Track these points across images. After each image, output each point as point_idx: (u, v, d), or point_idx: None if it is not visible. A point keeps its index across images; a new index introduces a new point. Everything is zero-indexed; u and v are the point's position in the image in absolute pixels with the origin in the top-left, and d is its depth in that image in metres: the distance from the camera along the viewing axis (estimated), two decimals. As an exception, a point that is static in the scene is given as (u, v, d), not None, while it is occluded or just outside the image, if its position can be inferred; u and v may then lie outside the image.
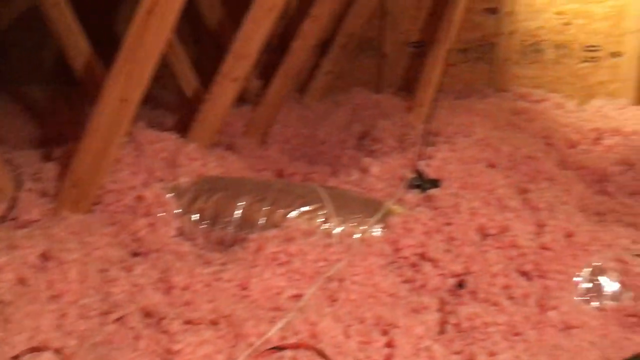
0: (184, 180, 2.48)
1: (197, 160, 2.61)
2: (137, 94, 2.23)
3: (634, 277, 1.97)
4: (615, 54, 3.96)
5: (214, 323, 1.73)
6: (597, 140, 3.52)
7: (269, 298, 1.89)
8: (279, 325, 1.69)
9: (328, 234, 2.22)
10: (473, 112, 3.43)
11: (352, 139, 3.49)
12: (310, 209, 2.30)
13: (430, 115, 3.33)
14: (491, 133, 3.07)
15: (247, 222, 2.31)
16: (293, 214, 2.29)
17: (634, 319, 1.90)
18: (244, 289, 1.92)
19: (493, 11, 4.11)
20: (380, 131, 3.30)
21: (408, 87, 4.09)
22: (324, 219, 2.27)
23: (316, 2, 3.42)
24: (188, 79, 3.61)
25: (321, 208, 2.31)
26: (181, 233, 2.36)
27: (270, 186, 2.46)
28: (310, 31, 3.44)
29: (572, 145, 3.46)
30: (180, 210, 2.40)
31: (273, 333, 1.66)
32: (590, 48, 3.98)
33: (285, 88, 3.53)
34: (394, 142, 3.19)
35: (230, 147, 3.27)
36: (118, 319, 1.78)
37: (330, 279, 1.98)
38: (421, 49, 4.15)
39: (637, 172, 3.09)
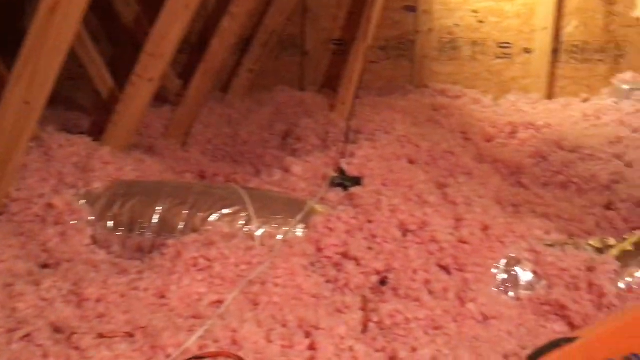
0: (97, 186, 2.37)
1: (111, 164, 2.50)
2: (42, 96, 2.11)
3: (546, 267, 2.04)
4: (527, 50, 4.13)
5: (129, 335, 1.65)
6: (512, 134, 3.65)
7: (188, 306, 1.83)
8: (198, 333, 1.64)
9: (250, 236, 2.17)
10: (394, 109, 3.48)
11: (276, 138, 3.46)
12: (232, 211, 2.26)
13: (352, 112, 3.35)
14: (411, 129, 3.12)
15: (166, 227, 2.24)
16: (214, 217, 2.24)
17: (547, 307, 1.97)
18: (162, 297, 1.85)
19: (411, 9, 4.19)
20: (304, 130, 3.29)
21: (331, 84, 4.10)
22: (245, 221, 2.23)
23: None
24: (103, 79, 3.45)
25: (243, 210, 2.26)
26: (95, 241, 2.25)
27: (190, 189, 2.39)
28: (230, 29, 3.38)
29: (489, 139, 3.58)
30: (94, 217, 2.29)
31: (192, 342, 1.60)
32: (504, 45, 4.14)
33: (206, 87, 3.45)
34: (317, 141, 3.19)
35: (149, 150, 3.16)
36: (25, 336, 1.67)
37: (252, 283, 1.94)
38: (343, 46, 4.18)
39: (549, 163, 3.23)
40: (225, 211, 2.25)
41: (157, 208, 2.27)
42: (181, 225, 2.23)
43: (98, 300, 1.83)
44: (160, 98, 3.70)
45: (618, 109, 3.78)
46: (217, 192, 2.37)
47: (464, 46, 4.18)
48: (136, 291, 1.87)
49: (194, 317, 1.77)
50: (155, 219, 2.25)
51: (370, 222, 2.20)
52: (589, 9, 4.03)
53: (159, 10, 2.70)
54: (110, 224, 2.28)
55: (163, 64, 2.72)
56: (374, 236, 2.15)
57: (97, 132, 2.85)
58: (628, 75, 3.99)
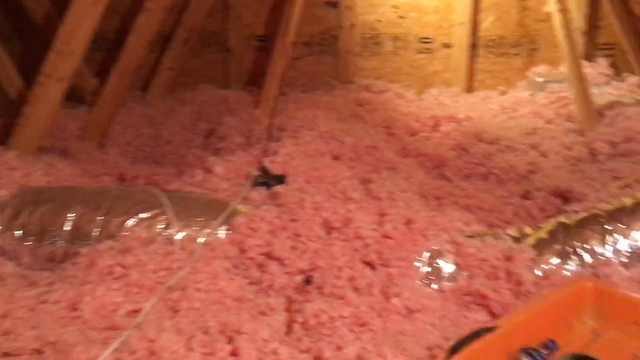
0: (2, 194, 2.22)
1: (18, 170, 2.36)
2: None
3: (467, 258, 2.07)
4: (446, 45, 4.21)
5: (37, 352, 1.55)
6: (435, 127, 3.71)
7: (102, 317, 1.74)
8: (113, 346, 1.56)
9: (170, 240, 2.10)
10: (318, 105, 3.46)
11: (199, 138, 3.37)
12: (150, 215, 2.17)
13: (276, 109, 3.31)
14: (335, 125, 3.11)
15: (79, 235, 2.12)
16: (130, 222, 2.14)
17: (469, 298, 2.00)
18: (74, 309, 1.75)
19: (333, 5, 4.18)
20: (227, 128, 3.22)
21: (256, 81, 4.04)
22: (164, 225, 2.14)
23: (150, -6, 3.24)
24: (11, 79, 3.26)
25: (162, 213, 2.18)
26: (3, 253, 2.12)
27: (105, 193, 2.28)
28: (146, 25, 3.26)
29: (413, 133, 3.62)
30: (0, 227, 2.15)
31: (106, 356, 1.52)
32: (424, 40, 4.20)
33: (123, 86, 3.32)
34: (241, 139, 3.12)
35: (63, 153, 3.01)
36: None
37: (172, 289, 1.87)
38: (266, 42, 4.12)
39: (470, 156, 3.31)
40: (143, 215, 2.17)
41: (69, 215, 2.15)
42: (96, 232, 2.12)
43: (3, 316, 1.71)
44: (76, 98, 3.53)
45: (533, 101, 3.91)
46: (134, 195, 2.27)
47: (386, 41, 4.21)
48: (46, 304, 1.76)
49: (109, 328, 1.69)
50: (68, 226, 2.13)
51: (294, 220, 2.17)
52: (504, 4, 4.15)
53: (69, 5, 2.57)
54: (19, 233, 2.15)
55: (73, 63, 2.59)
56: (297, 235, 2.12)
57: (3, 136, 2.68)
58: (542, 68, 4.15)
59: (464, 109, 3.90)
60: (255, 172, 2.54)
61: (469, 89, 4.22)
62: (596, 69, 4.03)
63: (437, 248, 2.14)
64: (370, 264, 2.08)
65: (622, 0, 3.61)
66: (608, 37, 4.07)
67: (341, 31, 4.18)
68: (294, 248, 2.09)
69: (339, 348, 1.69)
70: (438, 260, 2.12)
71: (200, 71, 4.22)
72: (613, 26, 3.78)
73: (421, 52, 4.22)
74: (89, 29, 2.53)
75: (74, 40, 2.54)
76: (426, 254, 2.12)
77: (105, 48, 3.82)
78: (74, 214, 2.15)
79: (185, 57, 4.03)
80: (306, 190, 2.33)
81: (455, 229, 2.22)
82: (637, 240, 2.05)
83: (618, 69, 4.07)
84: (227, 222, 2.18)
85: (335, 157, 2.77)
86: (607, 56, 4.07)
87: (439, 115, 3.80)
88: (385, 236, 2.14)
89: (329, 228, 2.18)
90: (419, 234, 2.17)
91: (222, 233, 2.16)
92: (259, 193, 2.42)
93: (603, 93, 3.75)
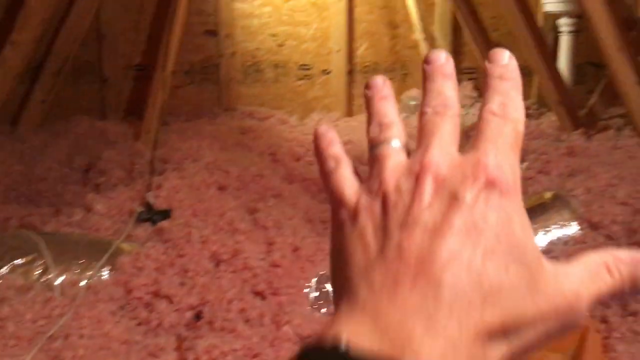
0: None
1: None
2: None
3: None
4: (325, 72, 4.36)
5: None
6: (319, 151, 3.82)
7: (-25, 377, 1.63)
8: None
9: (49, 286, 2.00)
10: (202, 135, 3.45)
11: (76, 173, 3.22)
12: (25, 261, 2.06)
13: (158, 141, 3.25)
14: (220, 155, 3.11)
15: (-56, 289, 1.97)
16: (4, 269, 2.02)
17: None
18: (-58, 372, 1.62)
19: (213, 33, 4.20)
20: (107, 162, 3.11)
21: (136, 111, 3.94)
22: (42, 270, 2.04)
23: (16, 27, 3.09)
24: None
25: (38, 258, 2.08)
26: None
27: (-27, 241, 2.13)
28: (13, 58, 3.10)
29: (298, 158, 3.70)
30: None
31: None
32: (304, 67, 4.33)
33: (-11, 122, 3.12)
34: (122, 173, 3.03)
35: None
36: None
37: (53, 338, 1.79)
38: (145, 71, 4.04)
39: (353, 178, 3.44)
40: (17, 262, 2.05)
41: None
42: (-37, 284, 1.97)
43: None
44: None
45: (407, 122, 4.12)
46: (6, 241, 2.15)
47: (267, 69, 4.29)
48: None
49: (-16, 388, 1.58)
50: None
51: (181, 256, 2.16)
52: (376, 32, 4.39)
53: None
54: None
55: None
56: (185, 271, 2.11)
57: None
58: (414, 92, 4.41)
59: (345, 133, 4.05)
60: (138, 208, 2.48)
61: (349, 113, 4.40)
62: (462, 92, 4.36)
63: (324, 272, 2.21)
64: (260, 294, 2.10)
65: (480, 28, 3.94)
66: (470, 61, 4.42)
67: (222, 59, 4.21)
68: (182, 284, 2.07)
69: (232, 382, 1.70)
70: (326, 285, 2.19)
71: (76, 102, 4.05)
72: (474, 52, 4.12)
73: (301, 79, 4.34)
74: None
75: None
76: (314, 280, 2.18)
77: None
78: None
79: (58, 88, 3.86)
80: (193, 224, 2.32)
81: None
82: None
83: (480, 91, 4.42)
84: (110, 262, 2.12)
85: (222, 188, 2.77)
86: (470, 79, 4.41)
87: (322, 139, 3.91)
88: (274, 265, 2.18)
89: (217, 261, 2.19)
90: (306, 260, 2.24)
91: (105, 274, 2.09)
92: (144, 229, 2.37)
93: (469, 114, 4.06)
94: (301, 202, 2.97)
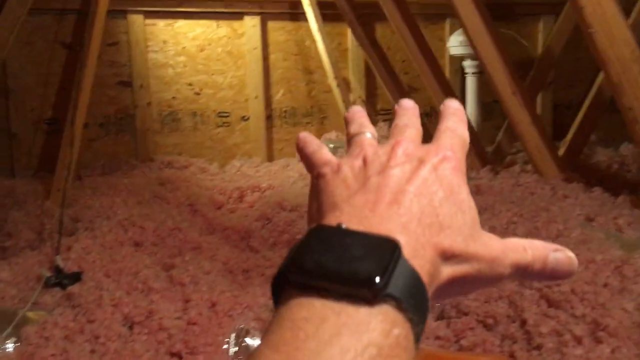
0: None
1: None
2: None
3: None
4: (244, 118, 4.39)
5: None
6: (240, 198, 3.80)
7: None
8: None
9: (-56, 366, 1.87)
10: (117, 189, 3.36)
11: (-19, 237, 3.06)
12: None
13: (69, 199, 3.14)
14: (135, 210, 3.04)
15: None
16: None
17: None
18: None
19: (127, 84, 4.15)
20: (14, 224, 2.97)
21: (48, 167, 3.81)
22: (-63, 350, 1.91)
23: None
24: None
25: None
26: None
27: None
28: None
29: (219, 206, 3.67)
30: None
31: None
32: (222, 114, 4.33)
33: None
34: (31, 235, 2.90)
35: None
36: None
37: None
38: (56, 125, 3.93)
39: (274, 224, 3.43)
40: None
41: None
42: None
43: None
44: None
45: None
46: None
47: (185, 117, 4.27)
48: None
49: None
50: None
51: (91, 322, 2.07)
52: (292, 78, 4.47)
53: None
54: None
55: None
56: (96, 337, 2.02)
57: None
58: (333, 134, 4.50)
59: (266, 178, 4.06)
60: (47, 273, 2.37)
61: (270, 157, 4.42)
62: (379, 132, 4.48)
63: (243, 327, 2.17)
64: (177, 354, 2.04)
65: (391, 72, 4.09)
66: (384, 103, 4.57)
67: (137, 110, 4.15)
68: (92, 352, 1.98)
69: None
70: (245, 339, 2.15)
71: (-18, 160, 3.88)
72: (387, 94, 4.26)
73: (220, 126, 4.34)
74: None
75: None
76: (233, 335, 2.14)
77: None
78: None
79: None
80: (104, 286, 2.24)
81: (259, 304, 2.28)
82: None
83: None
84: (15, 333, 2.01)
85: (137, 245, 2.70)
86: (385, 120, 4.55)
87: (243, 186, 3.90)
88: (191, 323, 2.13)
89: (131, 323, 2.11)
90: (224, 315, 2.20)
91: (10, 347, 1.98)
92: (52, 295, 2.26)
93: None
94: (221, 253, 2.92)
